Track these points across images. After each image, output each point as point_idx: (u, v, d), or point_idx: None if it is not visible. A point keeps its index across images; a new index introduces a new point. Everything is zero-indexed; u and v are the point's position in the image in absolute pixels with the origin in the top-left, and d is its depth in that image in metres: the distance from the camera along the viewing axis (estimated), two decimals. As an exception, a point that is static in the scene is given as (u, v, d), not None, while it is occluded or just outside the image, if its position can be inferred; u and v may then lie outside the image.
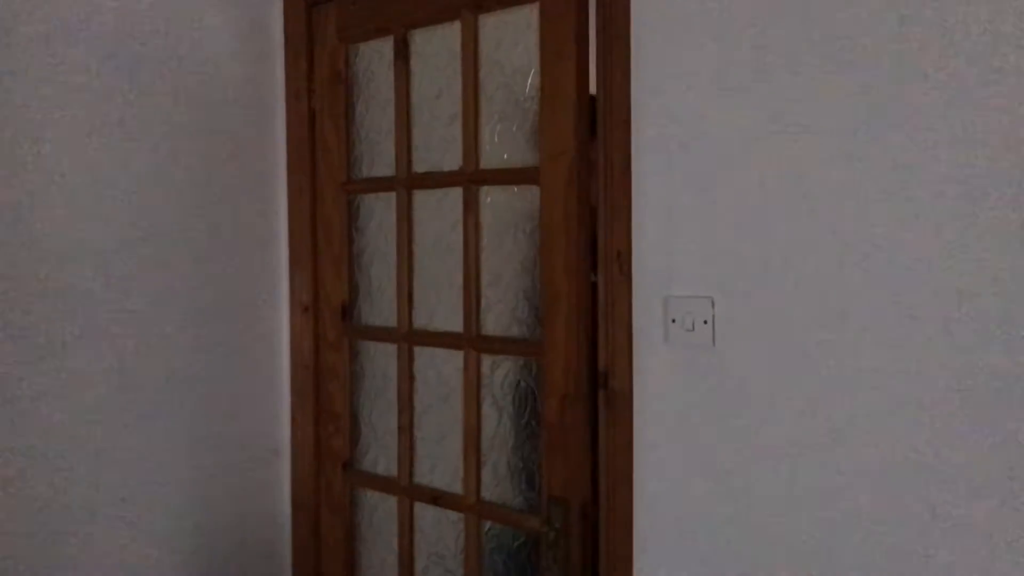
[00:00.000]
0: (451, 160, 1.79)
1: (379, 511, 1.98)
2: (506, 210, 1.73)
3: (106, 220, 1.65)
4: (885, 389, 1.24)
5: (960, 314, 1.18)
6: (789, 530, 1.32)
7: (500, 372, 1.75)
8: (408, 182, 1.86)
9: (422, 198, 1.86)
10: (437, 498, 1.83)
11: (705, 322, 1.38)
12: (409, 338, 1.88)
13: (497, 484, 1.76)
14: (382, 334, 1.93)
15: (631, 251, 1.46)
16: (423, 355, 1.87)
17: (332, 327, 2.00)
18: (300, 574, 2.04)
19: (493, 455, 1.76)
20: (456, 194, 1.77)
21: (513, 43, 1.69)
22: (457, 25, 1.75)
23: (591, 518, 1.57)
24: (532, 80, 1.66)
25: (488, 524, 1.78)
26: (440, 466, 1.86)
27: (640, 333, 1.46)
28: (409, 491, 1.89)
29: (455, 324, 1.79)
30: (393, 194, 1.89)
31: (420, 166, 1.86)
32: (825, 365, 1.28)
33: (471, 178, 1.73)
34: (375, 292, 1.97)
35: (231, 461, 1.91)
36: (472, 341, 1.75)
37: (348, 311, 1.99)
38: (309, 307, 2.02)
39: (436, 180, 1.82)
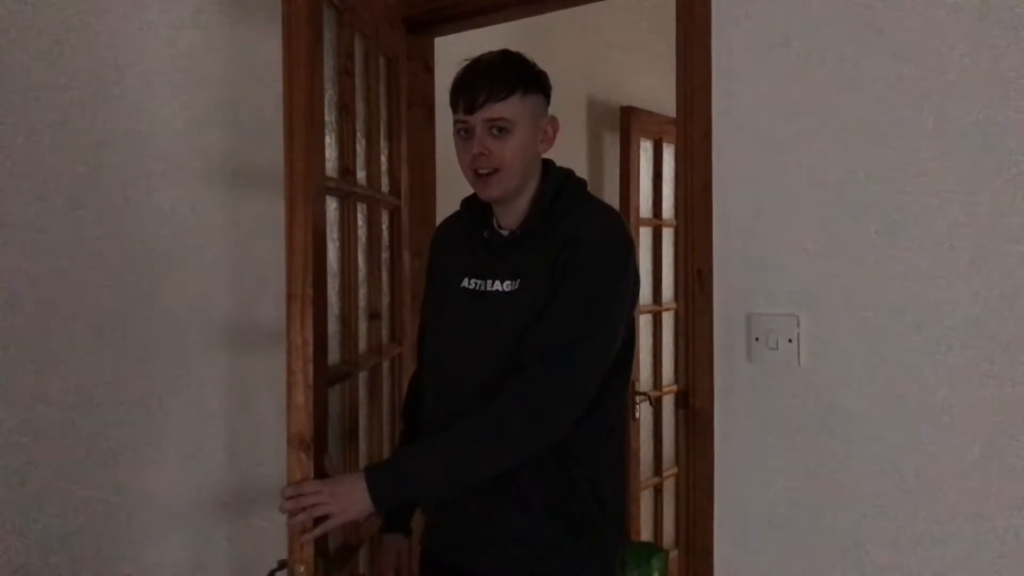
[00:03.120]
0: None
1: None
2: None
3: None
4: (988, 416, 1.18)
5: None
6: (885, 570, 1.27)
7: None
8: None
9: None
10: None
11: (790, 340, 1.34)
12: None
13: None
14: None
15: (712, 269, 1.43)
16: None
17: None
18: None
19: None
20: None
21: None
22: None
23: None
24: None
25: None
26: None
27: (722, 352, 1.43)
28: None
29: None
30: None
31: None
32: (919, 388, 1.23)
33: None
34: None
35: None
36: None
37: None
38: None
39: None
